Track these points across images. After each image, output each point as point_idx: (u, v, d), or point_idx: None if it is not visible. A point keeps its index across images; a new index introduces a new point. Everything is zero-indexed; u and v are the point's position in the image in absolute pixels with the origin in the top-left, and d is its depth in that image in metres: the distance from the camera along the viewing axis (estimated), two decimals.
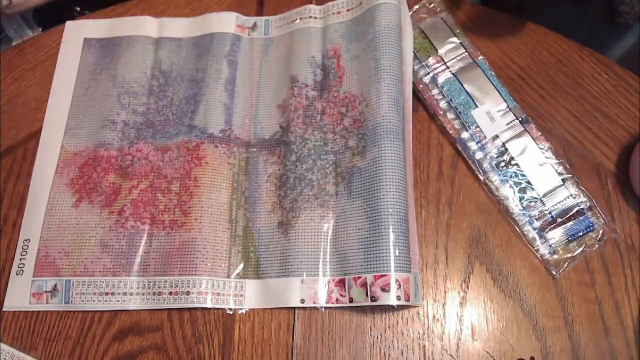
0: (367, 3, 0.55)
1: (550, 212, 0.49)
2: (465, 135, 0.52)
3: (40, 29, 0.65)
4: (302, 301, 0.47)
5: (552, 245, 0.48)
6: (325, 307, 0.47)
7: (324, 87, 0.54)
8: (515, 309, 0.47)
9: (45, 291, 0.49)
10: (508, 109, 0.51)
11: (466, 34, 0.56)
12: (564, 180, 0.49)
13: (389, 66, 0.51)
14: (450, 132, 0.52)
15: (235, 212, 0.51)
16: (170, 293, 0.48)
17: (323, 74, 0.55)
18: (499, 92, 0.52)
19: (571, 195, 0.49)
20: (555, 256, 0.48)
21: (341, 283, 0.47)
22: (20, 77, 0.59)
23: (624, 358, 0.45)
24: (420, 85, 0.54)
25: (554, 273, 0.48)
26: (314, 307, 0.47)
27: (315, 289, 0.47)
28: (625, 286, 0.48)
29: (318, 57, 0.56)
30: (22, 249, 0.51)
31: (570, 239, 0.48)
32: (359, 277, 0.46)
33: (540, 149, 0.50)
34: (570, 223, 0.48)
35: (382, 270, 0.45)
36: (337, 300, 0.46)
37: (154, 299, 0.48)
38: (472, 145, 0.51)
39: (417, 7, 0.57)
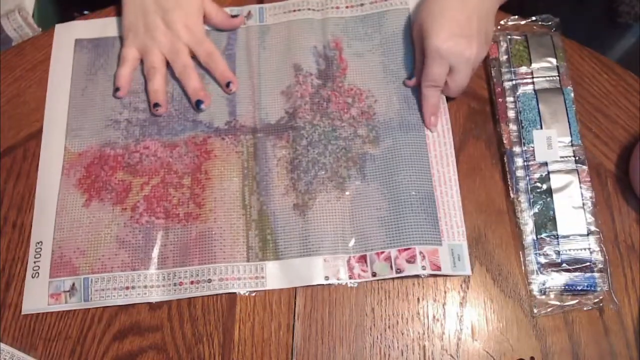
0: (371, 8, 0.57)
1: (560, 255, 0.47)
2: (517, 149, 0.51)
3: (40, 29, 0.65)
4: (327, 278, 0.48)
5: (546, 286, 0.47)
6: (350, 283, 0.48)
7: (328, 76, 0.56)
8: (515, 309, 0.47)
9: (64, 291, 0.49)
10: (570, 144, 0.50)
11: (568, 60, 0.55)
12: (589, 233, 0.48)
13: (396, 71, 0.55)
14: (505, 141, 0.52)
15: (249, 198, 0.52)
16: (192, 282, 0.48)
17: (326, 63, 0.56)
18: (570, 125, 0.51)
19: (589, 249, 0.47)
20: (543, 297, 0.47)
21: (362, 259, 0.48)
22: (20, 77, 0.58)
23: (624, 358, 0.45)
24: (499, 88, 0.54)
25: (535, 311, 0.47)
26: (340, 283, 0.48)
27: (337, 266, 0.48)
28: (625, 286, 0.48)
29: (320, 47, 0.57)
30: (35, 251, 0.51)
31: (567, 288, 0.47)
32: (382, 252, 0.48)
33: (582, 194, 0.49)
34: (575, 274, 0.47)
35: (406, 244, 0.47)
36: (359, 275, 0.48)
37: (175, 289, 0.48)
38: (519, 161, 0.51)
39: (534, 18, 0.56)
